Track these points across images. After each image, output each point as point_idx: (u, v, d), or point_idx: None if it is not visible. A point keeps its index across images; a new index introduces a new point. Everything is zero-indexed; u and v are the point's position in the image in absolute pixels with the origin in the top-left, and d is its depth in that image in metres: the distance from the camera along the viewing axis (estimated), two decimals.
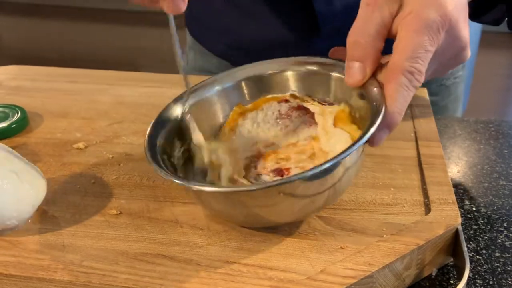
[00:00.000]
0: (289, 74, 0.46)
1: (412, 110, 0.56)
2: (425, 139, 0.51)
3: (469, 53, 0.40)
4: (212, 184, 0.41)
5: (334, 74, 0.43)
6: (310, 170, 0.33)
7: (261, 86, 0.47)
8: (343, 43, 0.45)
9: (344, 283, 0.35)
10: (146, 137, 0.41)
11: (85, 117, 0.57)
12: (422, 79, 0.36)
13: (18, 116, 0.55)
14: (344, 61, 0.42)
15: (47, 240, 0.40)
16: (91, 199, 0.44)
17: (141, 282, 0.36)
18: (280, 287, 0.35)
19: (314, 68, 0.45)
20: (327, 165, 0.33)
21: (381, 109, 0.36)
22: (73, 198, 0.45)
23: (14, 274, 0.37)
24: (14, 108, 0.57)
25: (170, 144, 0.42)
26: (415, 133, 0.52)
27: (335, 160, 0.34)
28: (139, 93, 0.63)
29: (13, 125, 0.54)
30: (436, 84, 0.69)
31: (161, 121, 0.43)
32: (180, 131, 0.44)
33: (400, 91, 0.36)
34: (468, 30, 0.38)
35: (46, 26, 1.94)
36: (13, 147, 0.48)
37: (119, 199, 0.44)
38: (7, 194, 0.39)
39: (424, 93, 0.60)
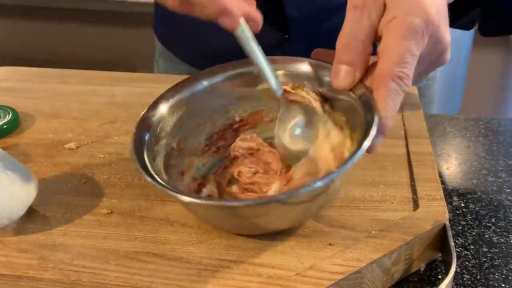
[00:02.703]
0: (280, 73, 0.46)
1: (402, 108, 0.56)
2: (414, 137, 0.51)
3: (449, 55, 0.41)
4: (207, 197, 0.41)
5: (325, 77, 0.43)
6: (304, 187, 0.34)
7: (252, 83, 0.46)
8: (313, 48, 0.45)
9: (332, 279, 0.35)
10: (132, 147, 0.40)
11: (76, 118, 0.58)
12: (410, 83, 0.37)
13: (10, 117, 0.55)
14: (329, 63, 0.42)
15: (38, 239, 0.40)
16: (82, 199, 0.45)
17: (132, 280, 0.36)
18: (270, 284, 0.35)
19: (304, 68, 0.45)
20: (321, 183, 0.33)
21: (374, 118, 0.36)
22: (64, 198, 0.45)
23: (4, 274, 0.37)
24: (5, 109, 0.57)
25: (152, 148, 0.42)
26: (405, 130, 0.53)
27: (331, 177, 0.34)
28: (130, 93, 0.63)
29: (4, 126, 0.54)
30: None
31: (144, 126, 0.42)
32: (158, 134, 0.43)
33: (391, 96, 0.36)
34: (449, 34, 0.39)
35: (39, 28, 1.94)
36: (5, 148, 0.49)
37: (110, 198, 0.45)
38: None
39: (414, 90, 0.60)
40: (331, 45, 0.44)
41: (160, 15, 0.75)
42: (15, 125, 0.55)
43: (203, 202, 0.37)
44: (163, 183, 0.37)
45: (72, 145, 0.52)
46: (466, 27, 0.59)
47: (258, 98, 0.46)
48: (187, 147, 0.44)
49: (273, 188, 0.42)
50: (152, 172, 0.38)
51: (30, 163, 0.49)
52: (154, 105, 0.44)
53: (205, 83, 0.46)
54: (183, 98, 0.45)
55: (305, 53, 0.45)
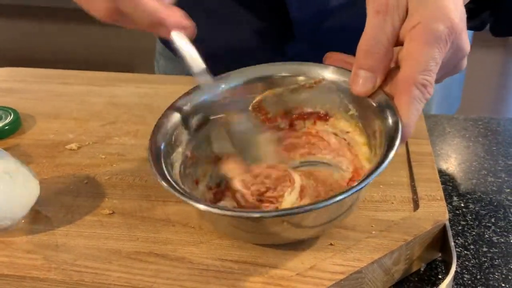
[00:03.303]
0: (300, 79, 0.45)
1: None
2: (414, 137, 0.51)
3: (465, 63, 0.41)
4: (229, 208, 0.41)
5: (342, 83, 0.42)
6: (329, 198, 0.33)
7: (264, 88, 0.45)
8: (316, 48, 0.44)
9: (333, 279, 0.35)
10: (149, 150, 0.39)
11: (77, 118, 0.58)
12: (432, 91, 0.37)
13: (11, 117, 0.56)
14: (343, 68, 0.42)
15: (40, 240, 0.40)
16: (83, 199, 0.45)
17: (134, 280, 0.36)
18: (271, 284, 0.36)
19: (322, 75, 0.44)
20: (344, 196, 0.33)
21: (399, 127, 0.36)
22: (66, 199, 0.45)
23: (8, 274, 0.37)
24: (6, 110, 0.57)
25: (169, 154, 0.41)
26: None
27: (357, 188, 0.34)
28: (131, 94, 0.63)
29: (6, 127, 0.54)
30: None
31: (160, 130, 0.41)
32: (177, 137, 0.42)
33: (414, 104, 0.36)
34: (468, 41, 0.39)
35: (39, 28, 1.94)
36: (6, 149, 0.48)
37: (112, 199, 0.45)
38: (0, 195, 0.39)
39: None
40: (335, 45, 0.44)
41: None
42: (16, 126, 0.55)
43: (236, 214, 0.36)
44: (188, 194, 0.36)
45: (73, 145, 0.52)
46: (477, 28, 0.59)
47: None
48: (201, 156, 0.44)
49: (287, 199, 0.41)
50: (175, 185, 0.37)
51: (32, 164, 0.49)
52: (168, 112, 0.43)
53: (217, 89, 0.45)
54: (197, 104, 0.44)
55: (308, 53, 0.45)
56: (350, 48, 0.40)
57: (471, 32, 1.14)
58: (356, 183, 0.34)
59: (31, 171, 0.43)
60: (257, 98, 0.45)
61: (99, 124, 0.57)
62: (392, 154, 0.35)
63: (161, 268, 0.37)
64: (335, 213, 0.37)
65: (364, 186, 0.34)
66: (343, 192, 0.33)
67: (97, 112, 0.59)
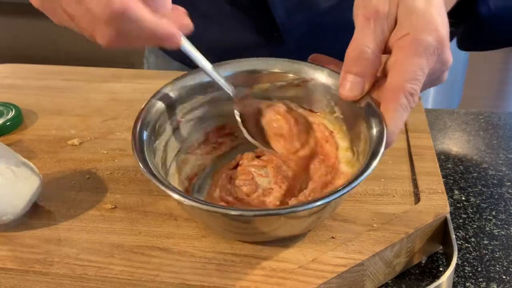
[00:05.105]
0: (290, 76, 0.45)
1: None
2: (415, 131, 0.52)
3: (446, 76, 0.41)
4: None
5: (331, 86, 0.43)
6: (309, 202, 0.34)
7: (252, 82, 0.45)
8: (302, 47, 0.44)
9: (335, 272, 0.36)
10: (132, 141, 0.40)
11: (79, 114, 0.58)
12: (417, 100, 0.37)
13: (13, 113, 0.56)
14: (334, 71, 0.42)
15: (43, 234, 0.41)
16: (86, 194, 0.45)
17: (136, 274, 0.37)
18: (273, 276, 0.36)
19: (304, 74, 0.44)
20: (327, 200, 0.34)
21: (384, 135, 0.36)
22: (68, 194, 0.45)
23: (11, 268, 0.38)
24: (8, 106, 0.57)
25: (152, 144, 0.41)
26: (406, 125, 0.53)
27: (337, 195, 0.34)
28: (132, 90, 0.63)
29: (8, 123, 0.55)
30: None
31: (144, 120, 0.42)
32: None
33: (400, 111, 0.37)
34: (451, 54, 0.39)
35: (39, 24, 1.94)
36: (8, 145, 0.49)
37: (114, 193, 0.45)
38: (3, 190, 0.40)
39: None
40: (321, 45, 0.44)
41: None
42: (18, 122, 0.56)
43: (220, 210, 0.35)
44: (172, 187, 0.36)
45: (75, 141, 0.53)
46: None
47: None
48: (184, 145, 0.44)
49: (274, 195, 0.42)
50: (158, 176, 0.37)
51: (34, 159, 0.50)
52: (151, 101, 0.43)
53: (203, 79, 0.44)
54: (182, 93, 0.45)
55: (294, 52, 0.45)
56: (336, 47, 0.40)
57: None
58: (334, 190, 0.34)
59: (33, 166, 0.43)
60: (244, 92, 0.45)
61: (100, 119, 0.57)
62: (375, 163, 0.35)
63: (163, 261, 0.38)
64: (316, 214, 0.37)
65: (346, 192, 0.34)
66: (318, 200, 0.34)
67: (99, 108, 0.59)
